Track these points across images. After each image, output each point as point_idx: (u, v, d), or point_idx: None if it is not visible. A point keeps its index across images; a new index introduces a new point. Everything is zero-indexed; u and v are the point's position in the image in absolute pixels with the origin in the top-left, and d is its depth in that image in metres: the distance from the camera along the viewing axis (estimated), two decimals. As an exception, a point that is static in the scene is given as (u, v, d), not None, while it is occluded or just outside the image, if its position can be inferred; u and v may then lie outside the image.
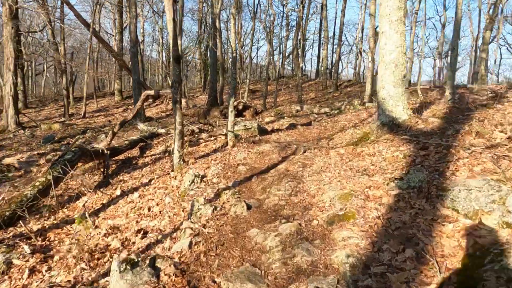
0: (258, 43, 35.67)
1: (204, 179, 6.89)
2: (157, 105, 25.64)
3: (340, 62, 27.55)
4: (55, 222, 6.53)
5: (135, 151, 11.49)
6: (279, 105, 20.35)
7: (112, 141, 11.54)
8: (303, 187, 6.10)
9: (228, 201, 5.79)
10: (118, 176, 8.88)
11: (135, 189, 7.55)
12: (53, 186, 7.06)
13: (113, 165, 10.32)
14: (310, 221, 4.91)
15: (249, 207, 5.53)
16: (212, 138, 10.62)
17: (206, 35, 25.58)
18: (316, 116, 15.11)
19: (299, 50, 30.64)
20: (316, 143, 9.56)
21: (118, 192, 7.45)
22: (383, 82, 7.84)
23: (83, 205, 6.68)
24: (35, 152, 13.32)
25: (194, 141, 10.86)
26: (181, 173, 7.73)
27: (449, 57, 11.72)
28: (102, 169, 9.18)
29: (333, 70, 30.02)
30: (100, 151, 9.48)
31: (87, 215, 6.42)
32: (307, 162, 7.28)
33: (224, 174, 7.12)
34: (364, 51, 33.16)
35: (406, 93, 7.95)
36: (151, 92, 9.77)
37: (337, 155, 7.39)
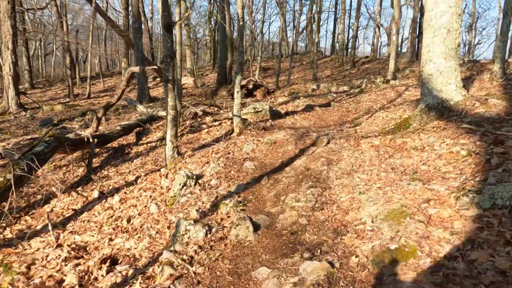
0: (270, 19, 33.38)
1: (200, 180, 5.20)
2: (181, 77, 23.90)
3: (357, 37, 25.37)
4: (9, 236, 4.97)
5: (131, 137, 9.88)
6: (293, 84, 18.43)
7: (102, 127, 9.93)
8: (330, 195, 4.37)
9: (229, 217, 4.11)
10: (103, 170, 7.28)
11: (118, 189, 5.93)
12: (13, 188, 5.48)
13: (103, 154, 8.73)
14: (346, 257, 3.21)
15: (256, 227, 3.84)
16: (216, 123, 8.91)
17: (215, 10, 23.51)
18: (334, 95, 13.22)
19: (313, 25, 28.36)
20: (340, 129, 7.76)
21: (95, 194, 5.84)
22: (431, 53, 5.95)
23: (47, 214, 5.08)
24: (29, 137, 11.82)
25: (195, 127, 9.16)
26: (174, 169, 6.08)
27: (500, 23, 9.66)
28: (86, 161, 7.59)
29: (349, 46, 27.78)
30: (86, 139, 7.89)
31: (50, 228, 4.84)
32: (332, 158, 5.52)
33: (226, 173, 5.41)
34: (381, 25, 30.65)
35: (459, 68, 6.06)
36: (136, 69, 8.04)
37: (371, 148, 5.61)
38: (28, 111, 18.48)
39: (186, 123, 9.74)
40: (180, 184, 4.97)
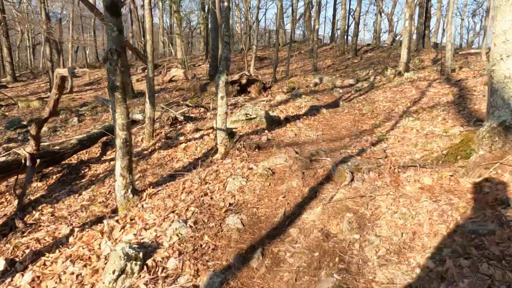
0: (266, 5, 30.81)
1: (151, 260, 3.05)
2: (154, 75, 21.55)
3: (359, 24, 22.88)
4: None
5: (96, 149, 7.71)
6: (292, 76, 16.16)
7: (64, 135, 7.78)
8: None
9: None
10: (38, 209, 5.12)
11: (37, 255, 3.79)
12: None
13: (54, 176, 6.58)
14: None
15: None
16: (197, 135, 6.72)
17: (207, -5, 21.03)
18: (340, 91, 11.01)
19: (312, 11, 25.89)
20: (359, 145, 5.61)
21: (1, 264, 3.71)
22: (509, 44, 3.78)
23: None
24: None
25: (172, 138, 6.98)
26: (125, 220, 3.94)
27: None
28: (18, 191, 5.40)
29: (350, 34, 25.38)
30: (23, 160, 5.72)
31: None
32: (364, 212, 3.37)
33: (196, 242, 3.23)
34: (382, 11, 28.14)
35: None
36: (63, 71, 5.78)
37: (421, 193, 3.47)
38: (2, 108, 16.29)
39: (162, 133, 7.56)
40: (115, 272, 2.84)
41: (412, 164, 4.18)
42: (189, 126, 7.52)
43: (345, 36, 23.28)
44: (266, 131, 6.50)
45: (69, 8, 19.39)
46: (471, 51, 13.03)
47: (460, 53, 16.52)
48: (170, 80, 18.90)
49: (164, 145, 6.68)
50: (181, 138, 6.74)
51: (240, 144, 5.48)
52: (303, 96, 9.69)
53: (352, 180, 3.96)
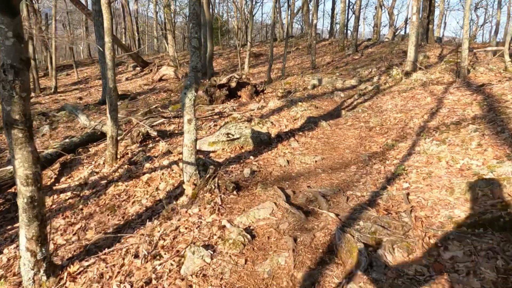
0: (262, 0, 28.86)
1: None
2: (145, 74, 20.05)
3: (359, 18, 21.14)
4: None
5: (53, 172, 6.27)
6: (289, 74, 14.64)
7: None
8: None
9: None
10: None
11: None
12: None
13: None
14: None
15: None
16: (167, 162, 5.26)
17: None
18: (342, 95, 9.52)
19: (310, 4, 24.22)
20: (369, 176, 4.16)
21: None
22: None
23: None
24: None
25: (137, 164, 5.52)
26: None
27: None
28: None
29: (349, 28, 23.74)
30: None
31: None
32: None
33: None
34: (383, 4, 26.42)
35: None
36: None
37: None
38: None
39: (128, 153, 6.11)
40: None
41: (458, 233, 2.74)
42: (161, 146, 6.06)
43: (345, 31, 21.65)
44: (252, 157, 5.04)
45: (54, 3, 17.74)
46: (488, 48, 11.48)
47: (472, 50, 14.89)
48: (160, 79, 17.38)
49: (125, 174, 5.23)
50: (148, 164, 5.28)
51: (214, 183, 4.02)
52: (300, 103, 8.20)
53: (370, 266, 2.51)
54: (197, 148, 5.29)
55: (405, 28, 26.75)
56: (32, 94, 17.77)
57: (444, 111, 6.30)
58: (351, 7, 27.78)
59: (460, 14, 79.95)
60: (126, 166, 5.49)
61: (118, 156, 6.07)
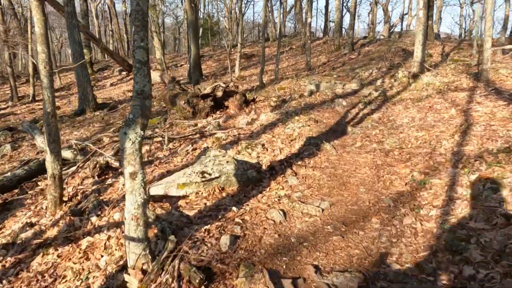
0: None
1: None
2: (131, 78, 18.43)
3: (355, 15, 19.54)
4: None
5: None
6: (283, 77, 13.13)
7: None
8: None
9: None
10: None
11: None
12: None
13: None
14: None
15: None
16: (119, 215, 3.77)
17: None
18: (344, 103, 8.05)
19: (302, 2, 22.67)
20: (409, 256, 2.70)
21: None
22: None
23: None
24: None
25: (85, 215, 4.03)
26: None
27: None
28: None
29: (343, 26, 22.23)
30: None
31: None
32: None
33: None
34: (377, 3, 24.88)
35: None
36: None
37: None
38: None
39: (77, 193, 4.62)
40: None
41: None
42: (122, 184, 4.57)
43: (340, 29, 20.11)
44: (235, 207, 3.55)
45: (29, 7, 16.04)
46: (507, 46, 10.04)
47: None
48: (146, 85, 15.78)
49: (65, 231, 3.74)
50: (94, 218, 3.78)
51: (173, 270, 2.54)
52: (296, 117, 6.71)
53: None
54: (163, 192, 3.81)
55: (401, 24, 25.30)
56: (9, 103, 16.16)
57: (479, 130, 4.85)
58: (344, 4, 26.26)
59: (455, 9, 78.56)
60: (67, 218, 3.98)
61: (66, 199, 4.57)
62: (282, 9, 20.05)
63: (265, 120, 6.98)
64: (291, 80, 11.89)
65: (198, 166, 3.97)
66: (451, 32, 33.24)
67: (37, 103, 15.46)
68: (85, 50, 20.83)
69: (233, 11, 17.42)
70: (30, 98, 15.73)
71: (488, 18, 6.97)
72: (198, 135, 6.29)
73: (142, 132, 2.60)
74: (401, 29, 24.53)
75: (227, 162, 4.01)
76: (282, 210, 3.52)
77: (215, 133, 6.15)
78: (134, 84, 2.67)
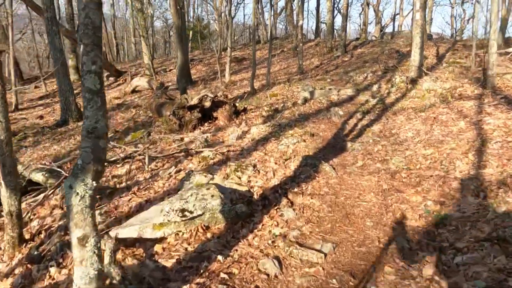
0: (244, 0, 26.29)
1: None
2: (119, 85, 17.73)
3: (348, 17, 18.95)
4: None
5: None
6: (274, 83, 12.54)
7: None
8: None
9: None
10: None
11: None
12: None
13: None
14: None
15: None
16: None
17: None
18: (340, 112, 7.46)
19: (293, 4, 22.11)
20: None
21: None
22: None
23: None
24: None
25: (44, 260, 3.39)
26: None
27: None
28: None
29: (335, 27, 21.70)
30: None
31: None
32: None
33: None
34: (368, 4, 24.39)
35: None
36: None
37: None
38: None
39: (42, 231, 3.96)
40: None
41: None
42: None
43: (332, 31, 19.55)
44: (220, 256, 2.93)
45: (10, 11, 15.16)
46: (509, 49, 9.55)
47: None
48: (134, 91, 15.09)
49: (19, 284, 3.10)
50: (53, 269, 3.13)
51: None
52: (290, 131, 6.11)
53: None
54: (137, 235, 3.18)
55: (393, 24, 24.86)
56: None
57: (495, 148, 4.29)
58: (335, 5, 25.74)
59: (445, 9, 78.71)
60: (25, 265, 3.33)
61: (28, 236, 3.91)
62: (272, 11, 19.45)
63: (256, 133, 6.38)
64: (283, 86, 11.30)
65: (178, 202, 3.33)
66: (442, 32, 32.94)
67: (19, 112, 14.69)
68: (71, 56, 20.12)
69: (223, 13, 16.76)
70: (13, 106, 14.90)
71: (494, 20, 6.43)
72: (183, 154, 5.65)
73: (94, 182, 1.97)
74: (393, 29, 24.08)
75: (212, 196, 3.38)
76: (277, 257, 2.91)
77: (201, 151, 5.52)
78: (84, 120, 2.04)
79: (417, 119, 5.95)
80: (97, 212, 4.05)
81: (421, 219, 3.38)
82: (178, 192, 3.62)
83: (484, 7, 18.34)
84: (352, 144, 5.44)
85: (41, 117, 13.35)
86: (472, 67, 9.62)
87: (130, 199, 4.39)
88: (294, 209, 3.71)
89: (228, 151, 5.63)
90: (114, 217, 4.01)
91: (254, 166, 4.78)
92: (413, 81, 8.82)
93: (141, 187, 4.70)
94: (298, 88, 10.31)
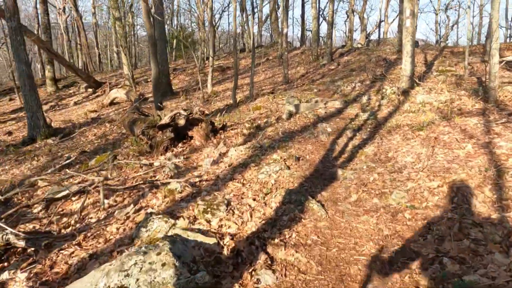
0: (229, 8, 25.51)
1: None
2: (97, 96, 16.67)
3: (333, 24, 18.24)
4: None
5: None
6: (258, 94, 11.70)
7: None
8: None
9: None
10: None
11: None
12: None
13: None
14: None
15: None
16: None
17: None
18: (329, 130, 6.65)
19: (278, 11, 21.43)
20: None
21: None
22: None
23: None
24: None
25: None
26: None
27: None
28: None
29: (320, 35, 21.05)
30: None
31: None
32: None
33: None
34: (353, 11, 23.88)
35: None
36: None
37: None
38: None
39: None
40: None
41: None
42: (19, 279, 2.99)
43: (318, 39, 18.89)
44: None
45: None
46: (506, 58, 8.91)
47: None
48: (112, 103, 14.08)
49: None
50: None
51: None
52: (273, 155, 5.26)
53: None
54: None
55: (378, 31, 24.38)
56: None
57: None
58: (320, 13, 25.19)
59: (430, 16, 79.28)
60: None
61: None
62: (257, 19, 18.71)
63: (235, 157, 5.51)
64: (267, 98, 10.48)
65: (116, 276, 2.42)
66: (427, 38, 32.73)
67: (-12, 128, 13.47)
68: (48, 67, 18.98)
69: (206, 22, 15.93)
70: (-19, 122, 13.73)
71: (495, 28, 5.72)
72: (147, 185, 4.74)
73: None
74: (378, 36, 23.60)
75: (163, 265, 2.49)
76: None
77: (168, 183, 4.62)
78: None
79: (415, 139, 5.16)
80: (24, 275, 3.12)
81: (437, 285, 2.55)
82: (121, 256, 2.70)
83: (470, 13, 17.89)
84: (343, 171, 4.61)
85: (9, 133, 12.22)
86: (465, 76, 8.97)
87: (72, 252, 3.45)
88: (274, 270, 2.84)
89: (200, 181, 4.74)
90: (46, 280, 3.08)
91: (228, 203, 3.90)
92: (405, 92, 8.10)
93: (90, 234, 3.76)
94: (283, 100, 9.50)
